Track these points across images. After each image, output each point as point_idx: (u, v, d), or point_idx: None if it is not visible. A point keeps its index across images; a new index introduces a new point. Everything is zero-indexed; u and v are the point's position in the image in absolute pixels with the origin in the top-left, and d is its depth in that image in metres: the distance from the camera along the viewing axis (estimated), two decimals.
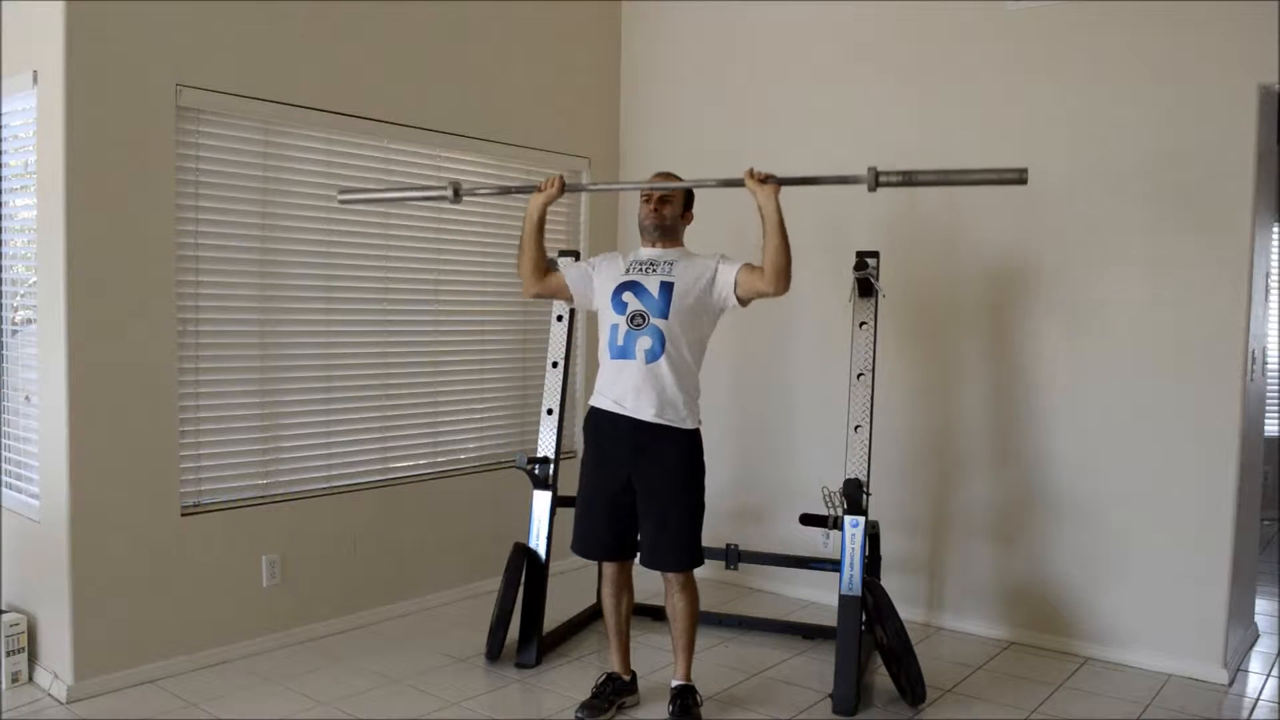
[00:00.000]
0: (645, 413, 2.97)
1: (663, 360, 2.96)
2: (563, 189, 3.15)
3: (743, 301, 3.02)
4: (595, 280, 3.14)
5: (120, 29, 3.20)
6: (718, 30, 4.70)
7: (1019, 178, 2.82)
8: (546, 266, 3.20)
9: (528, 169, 4.60)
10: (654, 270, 3.03)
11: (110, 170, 3.19)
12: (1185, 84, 3.51)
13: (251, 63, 3.55)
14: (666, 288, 2.99)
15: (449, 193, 3.28)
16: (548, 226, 3.20)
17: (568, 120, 4.80)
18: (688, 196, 3.15)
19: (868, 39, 4.24)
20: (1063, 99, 3.76)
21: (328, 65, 3.78)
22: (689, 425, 3.02)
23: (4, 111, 3.41)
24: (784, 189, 2.95)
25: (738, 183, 2.97)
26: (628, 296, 3.02)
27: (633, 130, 5.03)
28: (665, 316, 2.97)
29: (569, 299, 3.23)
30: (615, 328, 3.02)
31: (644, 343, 2.97)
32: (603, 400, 3.06)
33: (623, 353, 2.99)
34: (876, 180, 2.90)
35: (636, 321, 2.99)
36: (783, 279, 2.92)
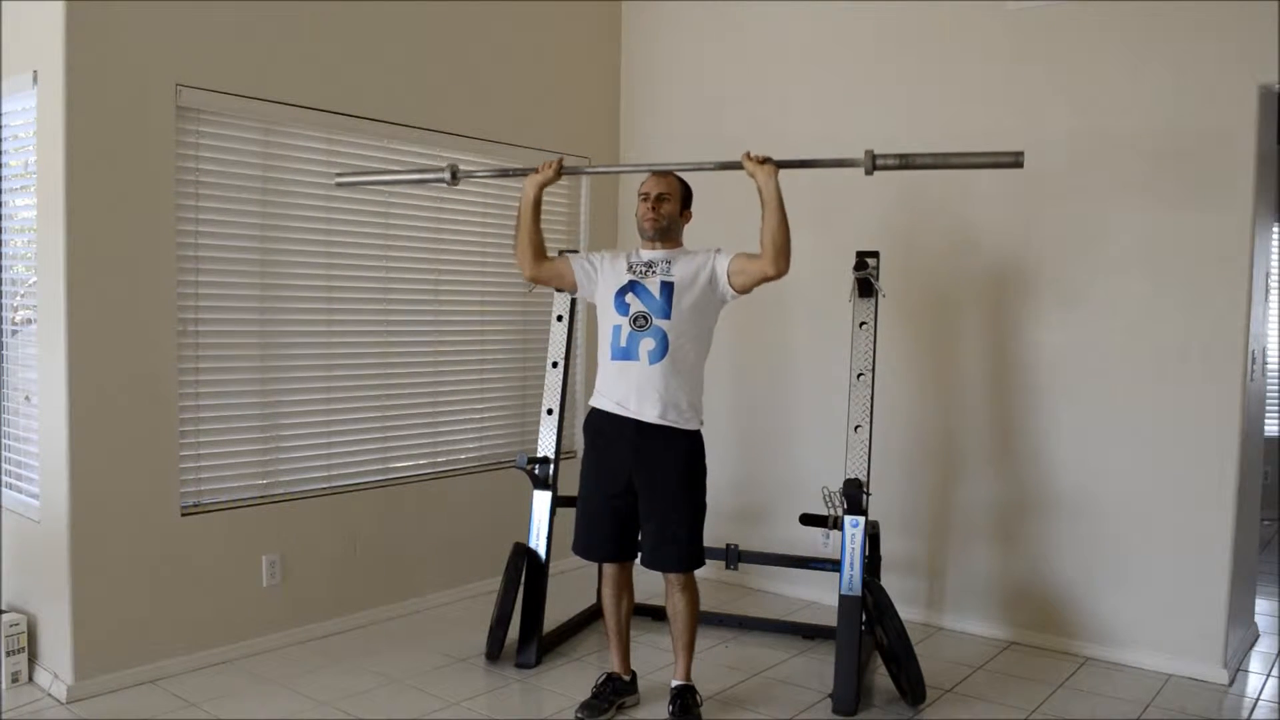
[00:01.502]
0: (648, 414, 2.97)
1: (666, 361, 2.95)
2: (560, 172, 3.15)
3: (742, 290, 3.01)
4: (599, 276, 3.13)
5: (120, 29, 3.20)
6: (718, 30, 4.70)
7: (1015, 161, 2.83)
8: (545, 250, 3.19)
9: (527, 169, 4.58)
10: (654, 271, 3.03)
11: (110, 170, 3.19)
12: (1185, 84, 3.51)
13: (251, 63, 3.55)
14: (667, 287, 2.99)
15: (446, 175, 3.28)
16: (546, 220, 3.18)
17: (568, 120, 4.80)
18: (685, 195, 3.14)
19: (868, 39, 4.24)
20: (1062, 99, 3.76)
21: (328, 65, 3.78)
22: (692, 426, 3.02)
23: (4, 111, 3.41)
24: (783, 173, 2.96)
25: (736, 165, 2.98)
26: (630, 298, 3.02)
27: (633, 130, 5.03)
28: (668, 317, 2.97)
29: (570, 286, 3.20)
30: (618, 329, 3.01)
31: (647, 344, 2.96)
32: (604, 401, 3.06)
33: (625, 354, 2.99)
34: (874, 163, 2.92)
35: (639, 323, 2.98)
36: (783, 257, 2.92)
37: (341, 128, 3.85)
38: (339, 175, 3.53)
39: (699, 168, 3.15)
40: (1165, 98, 3.55)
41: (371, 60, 3.93)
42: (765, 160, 2.93)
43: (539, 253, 3.16)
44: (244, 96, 3.53)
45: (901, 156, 2.93)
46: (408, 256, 4.16)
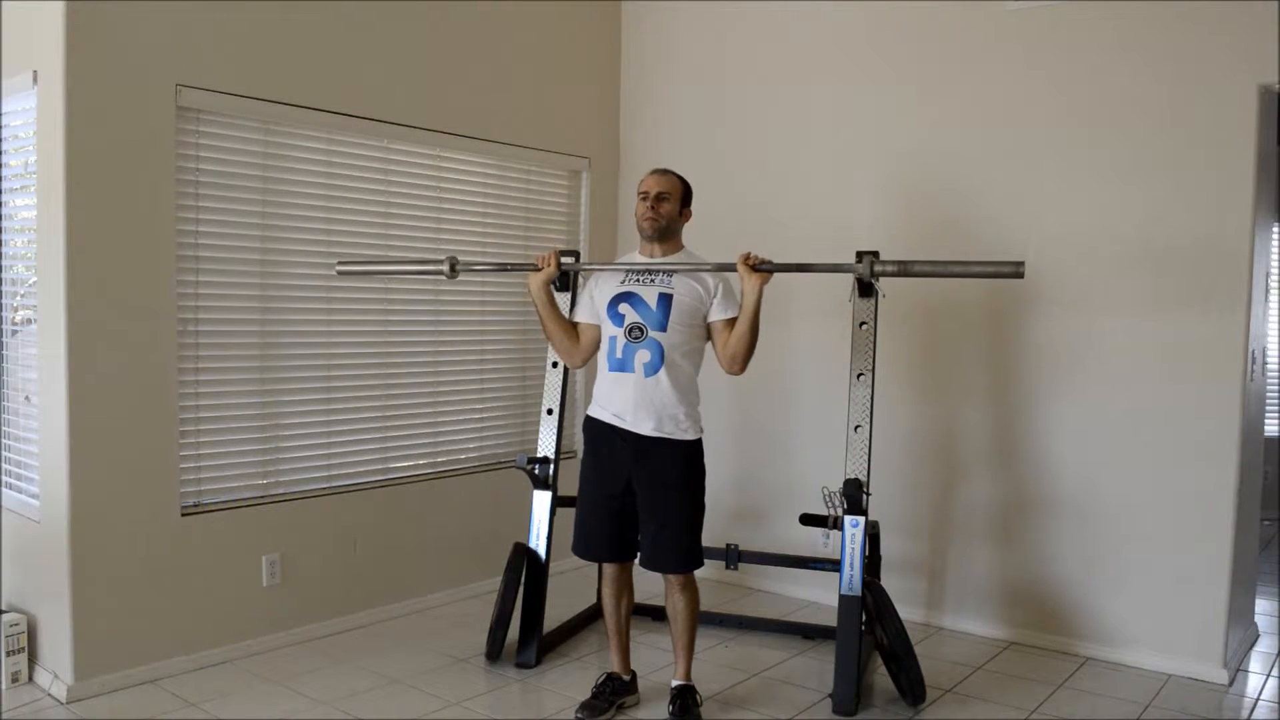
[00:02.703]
0: (644, 427, 2.97)
1: (662, 373, 2.95)
2: (560, 264, 3.14)
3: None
4: (595, 295, 3.11)
5: (120, 29, 3.20)
6: (718, 30, 4.70)
7: (1015, 271, 2.90)
8: (575, 330, 3.15)
9: (527, 169, 4.60)
10: (652, 281, 3.01)
11: (110, 170, 3.19)
12: (1185, 84, 3.51)
13: (251, 63, 3.55)
14: (665, 300, 2.97)
15: (446, 268, 3.32)
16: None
17: (568, 120, 4.80)
18: (685, 193, 3.13)
19: (867, 39, 4.24)
20: (1062, 99, 3.76)
21: (328, 65, 3.78)
22: (690, 436, 3.01)
23: (4, 111, 3.41)
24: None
25: (731, 267, 2.97)
26: (624, 308, 3.00)
27: (633, 130, 5.02)
28: (664, 329, 2.96)
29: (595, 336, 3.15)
30: (614, 340, 3.01)
31: (642, 355, 2.96)
32: (601, 413, 3.05)
33: (621, 365, 2.99)
34: (871, 270, 3.02)
35: (634, 334, 2.97)
36: (740, 364, 2.97)
37: (341, 128, 3.85)
38: (339, 264, 3.56)
39: (698, 268, 3.05)
40: (1165, 97, 3.55)
41: (371, 60, 3.93)
42: (760, 265, 2.91)
43: (574, 338, 3.13)
44: (244, 96, 3.53)
45: (900, 264, 3.01)
46: (408, 256, 4.16)
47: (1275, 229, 4.94)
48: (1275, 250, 4.97)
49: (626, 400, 2.97)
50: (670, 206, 3.05)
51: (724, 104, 4.69)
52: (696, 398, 3.06)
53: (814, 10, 4.38)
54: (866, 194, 4.23)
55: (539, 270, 3.13)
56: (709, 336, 3.04)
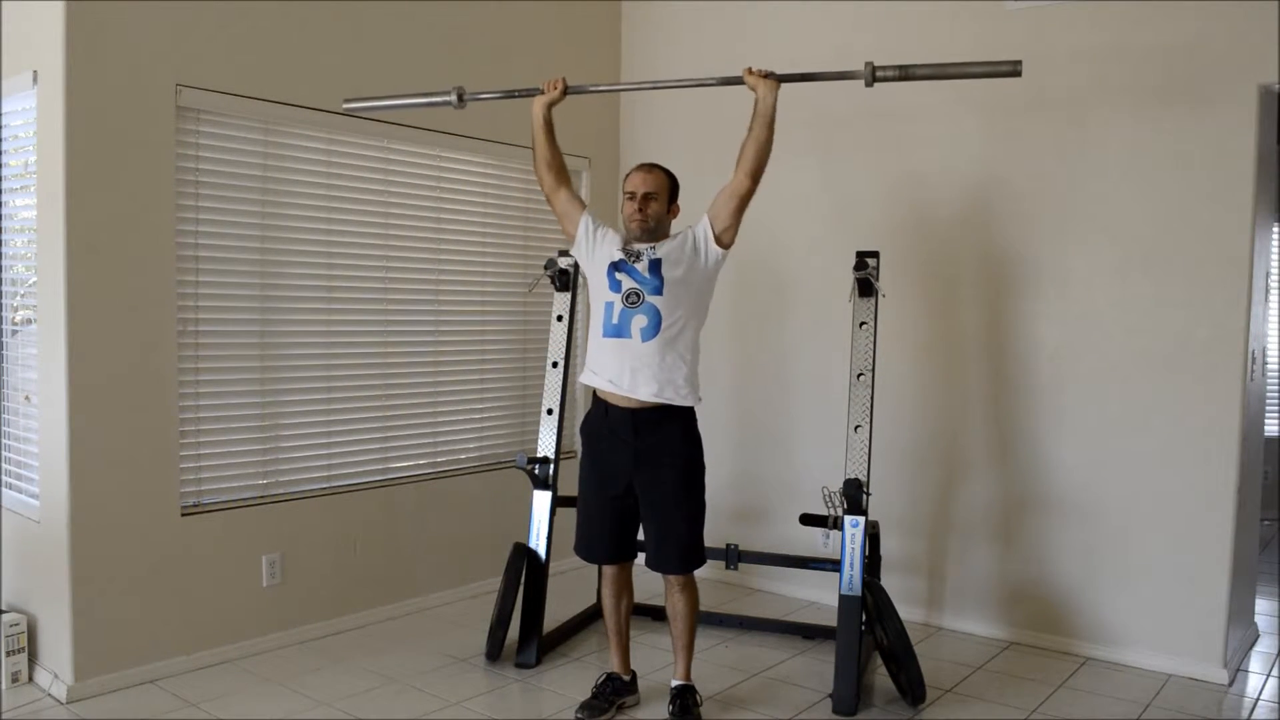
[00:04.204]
0: (643, 393, 2.94)
1: (659, 338, 2.93)
2: (565, 91, 3.17)
3: (727, 229, 2.99)
4: (595, 245, 3.09)
5: (120, 29, 3.20)
6: (718, 30, 4.70)
7: (1013, 70, 2.86)
8: (564, 171, 3.18)
9: (527, 169, 4.57)
10: (641, 256, 3.01)
11: (110, 170, 3.19)
12: (1185, 84, 3.51)
13: (251, 63, 3.55)
14: (655, 264, 2.96)
15: (453, 98, 3.33)
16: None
17: (568, 120, 4.74)
18: (673, 189, 3.11)
19: (868, 39, 4.23)
20: (1062, 99, 3.76)
21: (328, 65, 3.78)
22: (689, 402, 3.00)
23: (4, 111, 3.41)
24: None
25: (737, 80, 3.06)
26: (621, 275, 2.99)
27: (633, 130, 5.03)
28: (660, 293, 2.94)
29: (568, 233, 3.17)
30: (610, 305, 2.99)
31: (639, 320, 2.94)
32: (596, 379, 3.02)
33: (618, 331, 2.97)
34: (874, 74, 2.99)
35: (631, 300, 2.96)
36: (761, 166, 2.99)
37: (341, 128, 3.85)
38: (346, 101, 3.51)
39: (701, 84, 3.30)
40: (1165, 97, 3.55)
41: (371, 60, 3.93)
42: (768, 75, 3.00)
43: (559, 173, 3.16)
44: (244, 96, 3.53)
45: (901, 68, 2.97)
46: (408, 256, 4.16)
47: (1275, 229, 4.94)
48: (1275, 250, 4.97)
49: (623, 365, 2.95)
50: (658, 206, 3.04)
51: (724, 104, 4.68)
52: (695, 363, 3.03)
53: (814, 10, 4.38)
54: (868, 194, 4.23)
55: (544, 94, 3.17)
56: (716, 249, 2.99)
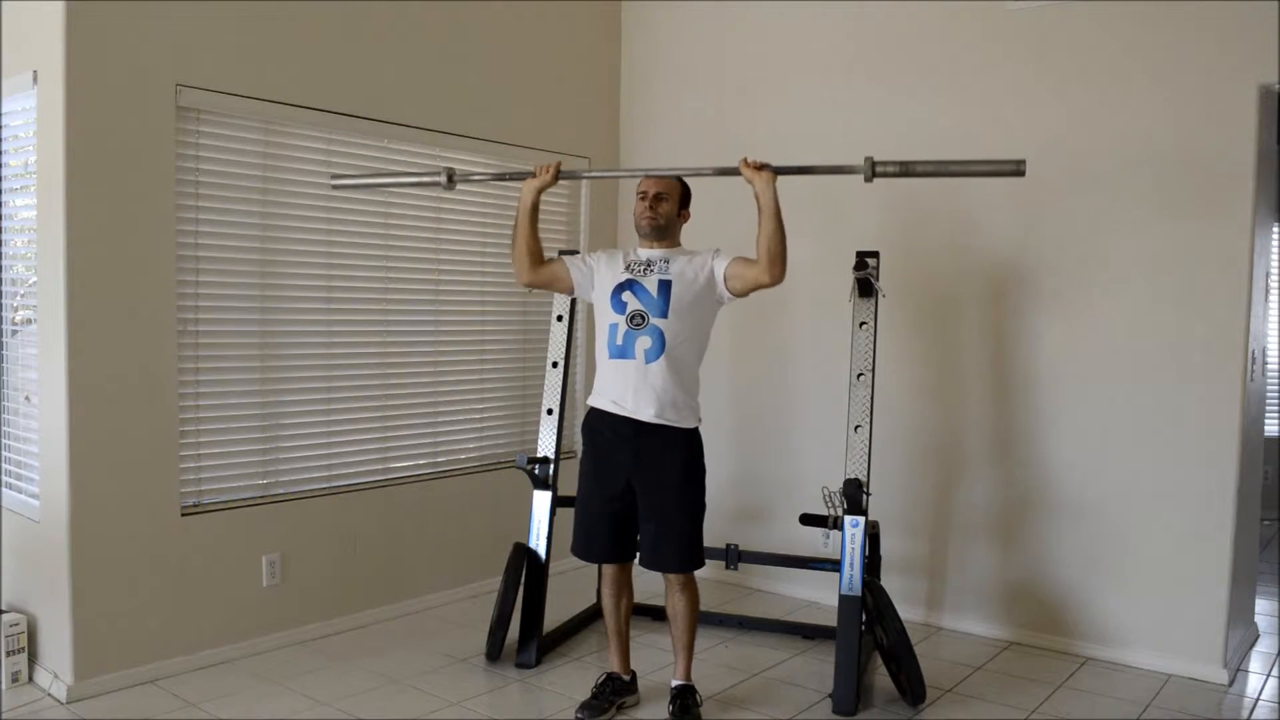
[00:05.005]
0: (645, 413, 2.96)
1: (663, 360, 2.95)
2: (558, 176, 3.13)
3: (738, 294, 3.00)
4: (595, 277, 3.11)
5: (120, 29, 3.20)
6: (718, 30, 4.70)
7: (1016, 169, 2.81)
8: (543, 255, 3.15)
9: (527, 169, 4.58)
10: (651, 270, 3.02)
11: (110, 170, 3.19)
12: (1185, 84, 3.51)
13: (251, 63, 3.55)
14: (665, 286, 2.98)
15: (442, 179, 3.23)
16: (546, 220, 3.16)
17: (568, 120, 4.80)
18: (684, 194, 3.13)
19: (868, 39, 4.24)
20: (1062, 99, 3.76)
21: (328, 65, 3.78)
22: (689, 424, 3.02)
23: (4, 111, 3.41)
24: (781, 179, 2.94)
25: (733, 171, 2.96)
26: (627, 296, 3.01)
27: (633, 130, 5.03)
28: (665, 316, 2.96)
29: (567, 289, 3.17)
30: (614, 327, 3.01)
31: (644, 342, 2.96)
32: (601, 400, 3.05)
33: (622, 352, 2.98)
34: (873, 170, 2.89)
35: (636, 321, 2.98)
36: (778, 265, 2.89)
37: (341, 128, 3.85)
38: (335, 178, 3.51)
39: (697, 173, 3.14)
40: (1165, 98, 3.55)
41: (371, 60, 3.93)
42: (763, 167, 2.91)
43: (536, 259, 3.11)
44: (244, 96, 3.53)
45: (902, 164, 2.90)
46: (408, 256, 4.16)
47: (1275, 229, 4.94)
48: (1275, 250, 4.97)
49: (626, 386, 2.97)
50: (669, 207, 3.06)
51: (723, 104, 4.69)
52: (696, 388, 3.05)
53: (814, 10, 4.38)
54: (866, 194, 4.22)
55: (535, 178, 3.11)
56: (726, 293, 2.98)
